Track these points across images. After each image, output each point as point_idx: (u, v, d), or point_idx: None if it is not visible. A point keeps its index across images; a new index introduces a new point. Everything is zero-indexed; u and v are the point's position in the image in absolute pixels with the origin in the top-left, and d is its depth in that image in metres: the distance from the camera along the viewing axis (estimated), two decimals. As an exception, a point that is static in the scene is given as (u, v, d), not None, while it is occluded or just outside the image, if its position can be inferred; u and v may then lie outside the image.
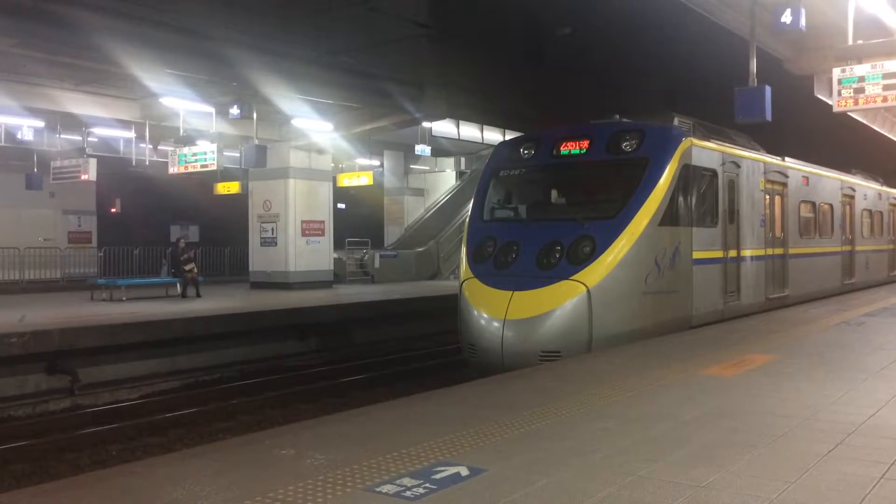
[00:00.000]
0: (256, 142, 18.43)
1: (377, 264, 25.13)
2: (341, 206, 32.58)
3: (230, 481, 4.23)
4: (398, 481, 4.17)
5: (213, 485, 4.16)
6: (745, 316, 12.69)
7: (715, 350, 8.90)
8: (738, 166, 12.88)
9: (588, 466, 4.45)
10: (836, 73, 11.36)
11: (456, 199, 29.54)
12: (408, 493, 3.98)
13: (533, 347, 9.46)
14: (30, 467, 8.78)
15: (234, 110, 16.43)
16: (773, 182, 14.30)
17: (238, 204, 23.79)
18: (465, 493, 3.98)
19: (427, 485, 4.11)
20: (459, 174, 31.01)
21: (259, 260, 22.16)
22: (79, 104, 17.41)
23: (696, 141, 11.62)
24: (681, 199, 11.07)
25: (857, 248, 19.21)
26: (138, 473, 4.54)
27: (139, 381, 12.93)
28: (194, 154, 19.10)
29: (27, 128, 19.65)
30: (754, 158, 13.74)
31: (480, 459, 4.57)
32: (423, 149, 23.80)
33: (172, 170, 19.75)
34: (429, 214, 30.26)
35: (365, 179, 25.22)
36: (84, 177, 20.78)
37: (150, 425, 10.41)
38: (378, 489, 4.05)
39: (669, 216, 10.75)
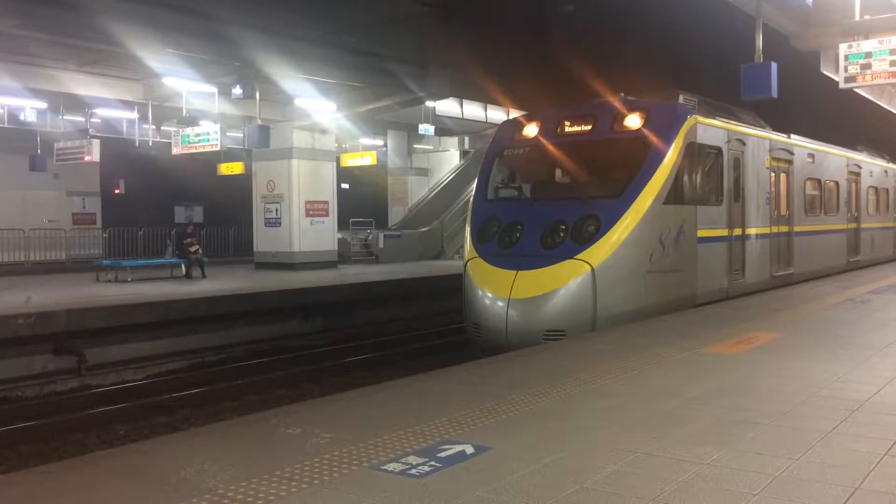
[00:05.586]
0: (259, 122, 18.37)
1: (381, 244, 25.12)
2: (345, 186, 32.54)
3: (237, 460, 4.26)
4: (404, 459, 4.19)
5: (220, 463, 4.19)
6: (750, 294, 12.68)
7: (719, 328, 8.90)
8: (744, 144, 12.81)
9: (593, 444, 4.47)
10: (843, 48, 11.23)
11: (460, 179, 29.43)
12: (413, 471, 4.00)
13: (537, 326, 9.47)
14: (38, 447, 8.84)
15: (237, 90, 16.37)
16: (778, 159, 14.22)
17: (242, 184, 23.76)
18: (471, 471, 4.00)
19: (432, 463, 4.13)
20: (463, 153, 30.89)
21: (263, 240, 22.18)
22: (82, 85, 17.34)
23: (700, 118, 11.55)
24: (685, 177, 11.03)
25: (863, 225, 19.14)
26: (146, 452, 4.58)
27: (145, 362, 13.00)
28: (197, 135, 19.08)
29: (30, 109, 19.63)
30: (759, 136, 13.65)
31: (486, 438, 4.59)
32: (426, 128, 23.73)
33: (176, 150, 19.75)
34: (433, 194, 30.18)
35: (368, 159, 25.21)
36: (87, 158, 20.84)
37: (157, 405, 10.47)
38: (384, 467, 4.08)
39: (674, 194, 10.71)
